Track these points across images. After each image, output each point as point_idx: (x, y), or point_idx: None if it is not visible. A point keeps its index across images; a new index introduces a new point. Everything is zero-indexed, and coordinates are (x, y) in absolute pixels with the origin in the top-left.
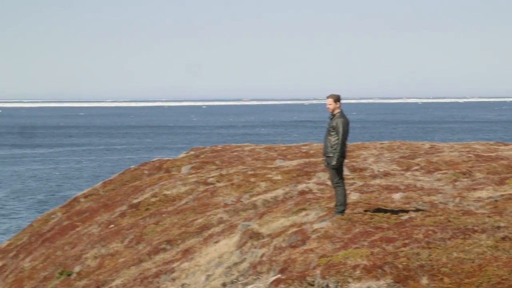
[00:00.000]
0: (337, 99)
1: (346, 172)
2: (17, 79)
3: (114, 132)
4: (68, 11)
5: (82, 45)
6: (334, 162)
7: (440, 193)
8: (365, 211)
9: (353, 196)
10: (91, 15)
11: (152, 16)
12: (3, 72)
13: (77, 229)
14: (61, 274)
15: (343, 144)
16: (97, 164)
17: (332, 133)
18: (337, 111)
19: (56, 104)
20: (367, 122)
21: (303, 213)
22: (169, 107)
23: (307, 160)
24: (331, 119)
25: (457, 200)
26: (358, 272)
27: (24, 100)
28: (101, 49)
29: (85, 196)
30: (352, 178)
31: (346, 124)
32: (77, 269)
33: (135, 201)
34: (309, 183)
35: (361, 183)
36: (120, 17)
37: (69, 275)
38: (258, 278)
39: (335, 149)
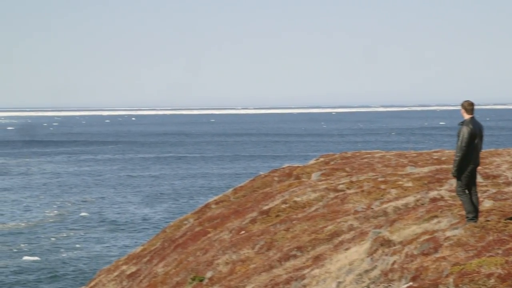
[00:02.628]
0: (464, 105)
1: (479, 179)
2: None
3: (244, 139)
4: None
5: (193, 52)
6: (452, 171)
7: None
8: (499, 218)
9: (486, 204)
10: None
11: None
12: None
13: (209, 235)
14: (193, 279)
15: (461, 153)
16: (227, 171)
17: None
18: (466, 117)
19: (186, 111)
20: (501, 129)
21: (435, 220)
22: (299, 113)
23: (438, 167)
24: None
25: None
26: (492, 280)
27: (157, 108)
28: (220, 56)
29: (216, 202)
30: (485, 185)
31: (468, 132)
32: (209, 274)
33: (266, 207)
34: (440, 190)
35: (494, 190)
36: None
37: (201, 280)
38: (390, 285)
39: (455, 158)
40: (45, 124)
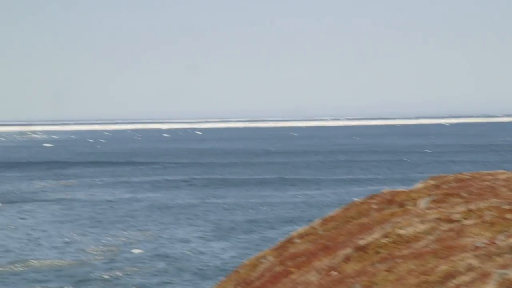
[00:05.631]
0: None
1: None
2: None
3: (333, 158)
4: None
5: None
6: None
7: None
8: None
9: None
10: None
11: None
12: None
13: (292, 276)
14: None
15: None
16: (315, 198)
17: None
18: None
19: (262, 123)
20: None
21: None
22: (402, 125)
23: None
24: None
25: None
26: None
27: (226, 119)
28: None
29: (301, 236)
30: None
31: None
32: None
33: (362, 242)
34: None
35: None
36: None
37: None
38: None
39: None
40: (90, 140)
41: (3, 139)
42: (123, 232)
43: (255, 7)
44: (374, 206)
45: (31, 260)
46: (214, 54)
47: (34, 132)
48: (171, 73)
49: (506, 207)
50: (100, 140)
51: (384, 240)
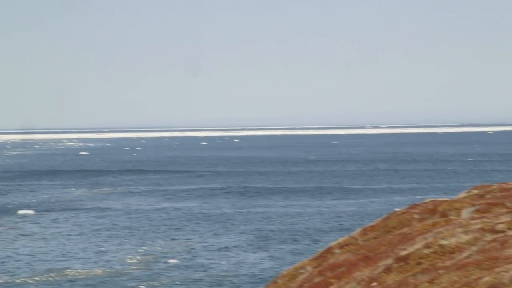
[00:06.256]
0: None
1: None
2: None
3: (374, 167)
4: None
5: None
6: None
7: None
8: None
9: None
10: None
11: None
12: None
13: (331, 287)
14: None
15: None
16: (355, 207)
17: None
18: None
19: (301, 131)
20: None
21: None
22: (445, 133)
23: None
24: None
25: None
26: None
27: (264, 127)
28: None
29: (341, 246)
30: None
31: None
32: None
33: (403, 253)
34: None
35: None
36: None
37: None
38: None
39: None
40: (126, 148)
41: (38, 147)
42: (159, 241)
43: (294, 9)
44: (416, 216)
45: (66, 270)
46: (249, 61)
47: (69, 139)
48: (205, 80)
49: None
50: (137, 148)
51: (426, 251)
